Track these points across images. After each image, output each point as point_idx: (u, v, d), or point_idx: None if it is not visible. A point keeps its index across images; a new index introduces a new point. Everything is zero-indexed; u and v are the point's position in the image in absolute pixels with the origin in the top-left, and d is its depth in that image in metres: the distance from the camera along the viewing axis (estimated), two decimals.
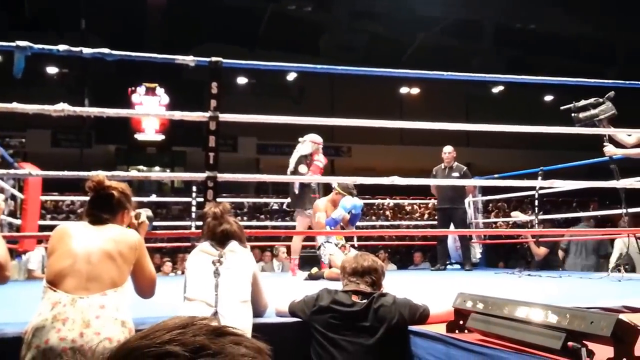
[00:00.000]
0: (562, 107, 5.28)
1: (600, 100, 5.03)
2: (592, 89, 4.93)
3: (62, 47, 3.29)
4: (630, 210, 5.32)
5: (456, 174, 7.31)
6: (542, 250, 7.21)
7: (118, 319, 2.20)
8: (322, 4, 19.72)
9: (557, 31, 19.88)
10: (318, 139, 6.29)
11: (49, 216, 12.97)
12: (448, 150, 7.44)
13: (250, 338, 0.70)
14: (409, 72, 4.73)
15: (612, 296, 3.63)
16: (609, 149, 5.14)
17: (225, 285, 2.58)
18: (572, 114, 5.14)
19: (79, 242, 2.33)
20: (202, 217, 3.00)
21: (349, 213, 5.80)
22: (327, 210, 5.85)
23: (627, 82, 4.60)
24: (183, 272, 2.84)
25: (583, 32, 19.49)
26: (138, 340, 0.66)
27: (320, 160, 6.23)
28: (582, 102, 5.10)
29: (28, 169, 5.13)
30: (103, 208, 2.49)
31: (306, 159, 6.21)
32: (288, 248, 9.45)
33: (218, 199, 3.42)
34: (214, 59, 3.49)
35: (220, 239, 2.77)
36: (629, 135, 5.19)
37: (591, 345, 1.70)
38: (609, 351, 1.64)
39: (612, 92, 5.05)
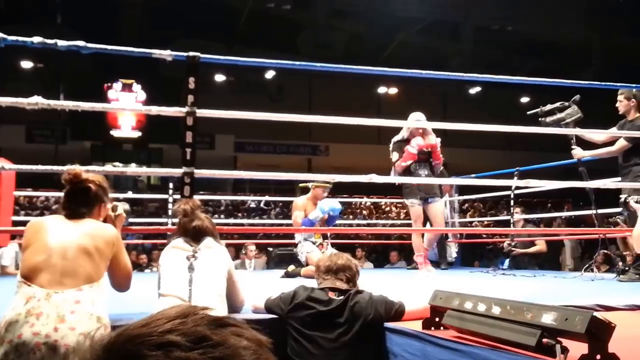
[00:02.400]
0: (528, 112, 5.32)
1: (566, 104, 5.08)
2: (567, 90, 4.97)
3: (36, 39, 3.23)
4: (601, 211, 5.40)
5: None
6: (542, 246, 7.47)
7: (94, 315, 2.18)
8: (302, 2, 19.66)
9: (535, 33, 20.05)
10: (415, 116, 5.63)
11: (22, 212, 12.78)
12: None
13: (251, 330, 0.69)
14: (387, 70, 4.73)
15: (586, 295, 3.69)
16: (577, 152, 5.21)
17: (199, 280, 2.58)
18: (540, 119, 5.18)
19: (55, 237, 2.30)
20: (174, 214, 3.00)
21: (327, 215, 5.78)
22: (307, 208, 5.83)
23: (603, 83, 4.66)
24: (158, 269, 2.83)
25: (560, 34, 19.68)
26: (138, 328, 0.66)
27: (413, 145, 5.64)
28: (549, 107, 5.15)
29: (1, 163, 5.03)
30: (80, 202, 2.45)
31: (402, 144, 5.73)
32: (258, 245, 9.34)
33: (195, 197, 3.40)
34: (191, 53, 3.45)
35: (194, 235, 2.78)
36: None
37: (566, 342, 1.71)
38: (584, 348, 1.65)
39: (578, 95, 5.11)
